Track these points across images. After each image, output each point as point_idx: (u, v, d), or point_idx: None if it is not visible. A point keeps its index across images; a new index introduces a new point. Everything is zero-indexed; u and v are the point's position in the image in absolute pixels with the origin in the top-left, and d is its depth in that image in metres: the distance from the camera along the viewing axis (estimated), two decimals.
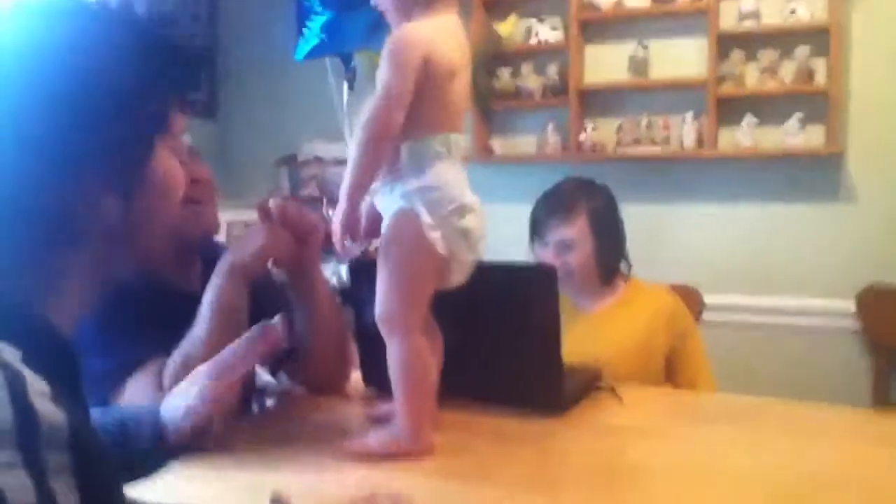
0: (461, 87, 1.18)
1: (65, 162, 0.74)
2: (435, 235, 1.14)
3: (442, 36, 1.17)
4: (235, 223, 3.54)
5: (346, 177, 1.14)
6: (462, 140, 1.19)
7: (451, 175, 1.17)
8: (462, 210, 1.16)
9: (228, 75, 3.57)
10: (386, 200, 1.18)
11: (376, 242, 1.21)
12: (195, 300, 1.30)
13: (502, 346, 1.39)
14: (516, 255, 2.09)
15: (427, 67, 1.13)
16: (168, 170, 0.87)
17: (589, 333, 1.89)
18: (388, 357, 1.18)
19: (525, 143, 3.15)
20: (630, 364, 1.85)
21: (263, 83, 3.48)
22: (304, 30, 2.96)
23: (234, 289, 1.29)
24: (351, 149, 1.15)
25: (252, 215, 3.18)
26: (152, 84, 0.80)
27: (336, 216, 1.16)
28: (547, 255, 1.92)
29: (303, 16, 2.97)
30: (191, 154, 1.50)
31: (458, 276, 1.20)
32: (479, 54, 3.06)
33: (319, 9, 2.89)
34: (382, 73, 1.13)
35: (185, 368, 1.22)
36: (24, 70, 0.73)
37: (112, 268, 0.86)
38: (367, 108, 1.14)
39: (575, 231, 1.89)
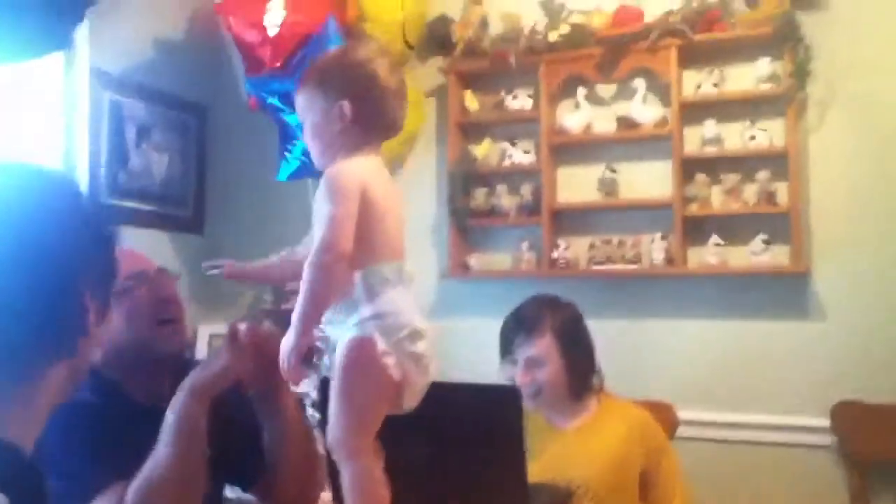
0: (398, 217, 1.27)
1: (66, 286, 0.90)
2: (389, 361, 1.18)
3: (372, 172, 1.25)
4: (218, 336, 3.55)
5: (299, 305, 1.18)
6: (408, 267, 1.25)
7: (402, 302, 1.22)
8: (414, 335, 1.21)
9: (215, 193, 3.66)
10: (340, 329, 1.22)
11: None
12: (163, 415, 1.31)
13: (466, 466, 1.40)
14: (492, 369, 2.13)
15: (365, 197, 1.20)
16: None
17: (563, 451, 1.90)
18: (341, 480, 1.20)
19: (500, 259, 3.22)
20: (605, 482, 1.85)
21: (248, 201, 3.58)
22: (287, 153, 3.08)
23: (196, 409, 1.31)
24: (304, 279, 1.19)
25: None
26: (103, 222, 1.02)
27: (286, 342, 1.19)
28: (517, 373, 1.96)
29: (285, 140, 3.10)
30: (162, 275, 1.55)
31: (411, 401, 1.24)
32: (456, 175, 3.18)
33: (301, 134, 3.01)
34: (324, 206, 1.20)
35: (148, 492, 1.22)
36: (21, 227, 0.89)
37: (77, 380, 0.97)
38: (316, 241, 1.20)
39: (542, 348, 1.94)
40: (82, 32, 2.95)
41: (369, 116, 1.27)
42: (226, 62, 3.57)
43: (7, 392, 0.85)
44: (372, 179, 1.24)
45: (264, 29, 3.04)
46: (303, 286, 1.19)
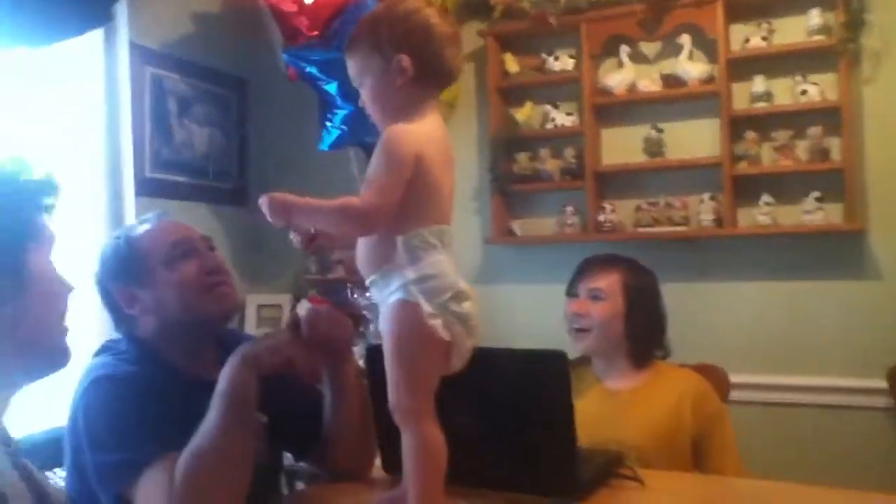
0: (450, 181, 1.25)
1: None
2: (436, 323, 1.16)
3: (431, 135, 1.22)
4: (265, 306, 3.60)
5: (311, 202, 1.19)
6: (451, 231, 1.24)
7: (445, 264, 1.20)
8: (459, 296, 1.20)
9: (257, 165, 3.68)
10: (382, 293, 1.21)
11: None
12: (210, 388, 1.32)
13: (514, 432, 1.39)
14: (537, 334, 2.11)
15: (419, 164, 1.18)
16: (48, 274, 1.08)
17: (615, 414, 1.88)
18: (402, 444, 1.19)
19: (545, 224, 3.19)
20: (656, 447, 1.82)
21: (291, 172, 3.58)
22: (327, 122, 3.07)
23: (247, 378, 1.31)
24: (334, 203, 1.19)
25: (279, 298, 3.23)
26: (9, 200, 1.03)
27: (279, 197, 1.20)
28: (573, 305, 1.93)
29: (325, 109, 3.09)
30: (206, 244, 1.56)
31: (459, 361, 1.22)
32: (497, 140, 3.14)
33: (341, 102, 3.00)
34: (376, 169, 1.18)
35: (197, 462, 1.23)
36: None
37: (21, 370, 1.03)
38: (360, 196, 1.18)
39: (605, 283, 1.91)
40: (121, 8, 2.96)
41: (430, 67, 1.23)
42: (264, 34, 3.56)
43: None
44: (429, 145, 1.21)
45: None
46: (327, 203, 1.19)
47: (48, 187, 1.10)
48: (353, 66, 1.28)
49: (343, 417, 1.54)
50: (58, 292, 1.10)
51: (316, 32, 3.03)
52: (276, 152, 3.67)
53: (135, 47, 3.09)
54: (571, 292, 1.99)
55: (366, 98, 1.27)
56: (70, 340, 1.11)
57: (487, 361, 1.34)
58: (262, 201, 1.20)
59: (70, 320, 1.12)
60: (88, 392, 1.37)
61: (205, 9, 3.45)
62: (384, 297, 1.21)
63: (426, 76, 1.23)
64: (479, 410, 1.40)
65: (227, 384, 1.29)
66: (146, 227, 1.56)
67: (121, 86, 3.07)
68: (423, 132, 1.21)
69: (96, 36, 2.95)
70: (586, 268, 1.99)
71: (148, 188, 3.10)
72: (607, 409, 1.89)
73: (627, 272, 1.95)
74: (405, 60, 1.21)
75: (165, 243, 1.50)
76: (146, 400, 1.32)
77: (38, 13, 2.46)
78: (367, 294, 1.26)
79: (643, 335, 1.94)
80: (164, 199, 3.12)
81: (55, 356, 1.08)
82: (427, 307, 1.17)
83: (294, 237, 1.27)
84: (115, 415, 1.31)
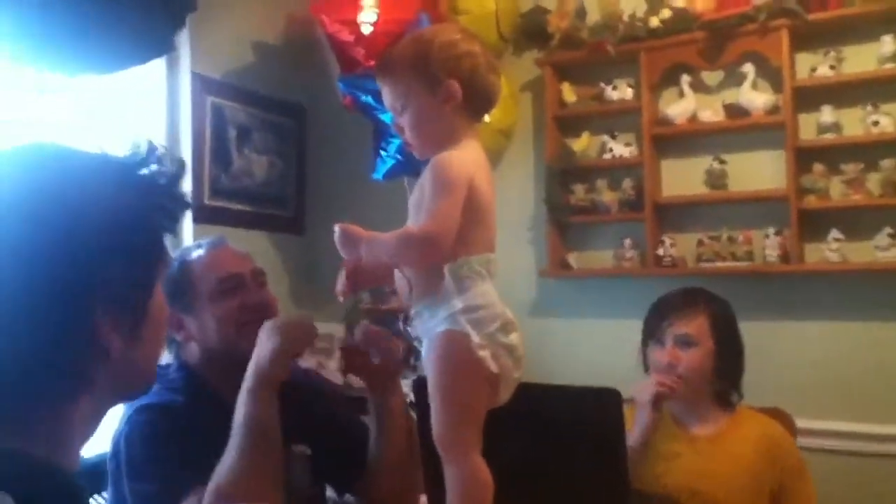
0: (494, 210, 1.22)
1: (75, 307, 0.75)
2: (484, 354, 1.13)
3: (478, 161, 1.21)
4: (320, 336, 3.59)
5: (377, 236, 1.18)
6: (497, 260, 1.20)
7: (492, 294, 1.18)
8: (507, 327, 1.18)
9: (314, 193, 3.70)
10: (428, 323, 1.18)
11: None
12: None
13: (564, 470, 1.33)
14: (593, 370, 2.04)
15: (471, 190, 1.15)
16: (163, 305, 0.90)
17: (692, 459, 1.79)
18: (446, 478, 1.15)
19: (602, 257, 3.11)
20: (732, 498, 1.73)
21: (347, 201, 3.58)
22: (382, 151, 3.07)
23: (257, 403, 1.27)
24: (392, 234, 1.17)
25: (331, 327, 3.21)
26: (146, 216, 0.84)
27: (351, 230, 1.21)
28: (662, 355, 1.84)
29: (380, 138, 3.09)
30: (256, 278, 1.55)
31: (505, 394, 1.19)
32: (554, 171, 3.09)
33: (395, 132, 3.00)
34: (431, 196, 1.16)
35: (221, 492, 1.20)
36: (18, 218, 0.74)
37: (114, 399, 0.87)
38: (418, 225, 1.15)
39: (695, 327, 1.82)
40: (183, 38, 3.02)
41: (476, 93, 1.22)
42: (322, 63, 3.59)
43: (30, 419, 0.76)
44: (478, 170, 1.20)
45: (358, 28, 3.04)
46: (390, 235, 1.17)
47: (179, 198, 0.89)
48: (392, 91, 1.26)
49: (388, 449, 1.51)
50: (165, 321, 0.94)
51: (372, 62, 3.04)
52: (333, 181, 3.69)
53: (196, 77, 3.14)
54: (656, 338, 1.87)
55: (408, 123, 1.25)
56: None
57: (539, 397, 1.30)
58: (335, 231, 1.21)
59: None
60: (132, 420, 1.36)
61: (265, 39, 3.50)
62: (430, 328, 1.18)
63: (472, 102, 1.22)
64: (529, 446, 1.35)
65: (243, 414, 1.27)
66: (201, 252, 1.56)
67: (182, 114, 3.13)
68: (471, 158, 1.20)
69: (159, 65, 3.01)
70: (670, 310, 1.87)
71: (206, 215, 3.13)
72: (685, 452, 1.80)
73: (713, 309, 1.86)
74: (454, 86, 1.20)
75: (215, 276, 1.51)
76: (188, 431, 1.31)
77: (102, 41, 2.52)
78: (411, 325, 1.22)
79: (731, 374, 1.85)
80: (221, 227, 3.15)
81: (147, 384, 0.93)
82: (475, 338, 1.14)
83: (340, 282, 1.26)
84: (154, 444, 1.30)
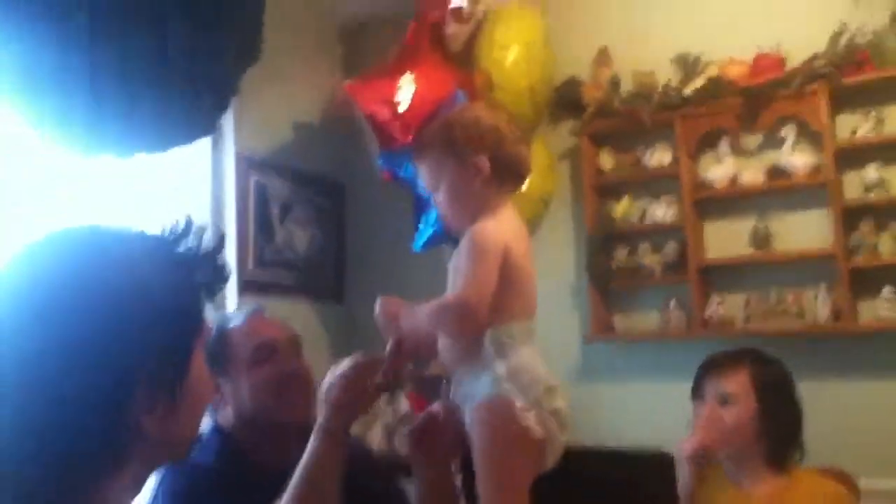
0: (533, 275, 1.24)
1: (116, 395, 0.75)
2: (530, 419, 1.11)
3: (514, 229, 1.24)
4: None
5: (415, 310, 1.21)
6: (536, 326, 1.22)
7: (534, 358, 1.18)
8: (551, 391, 1.17)
9: (354, 263, 3.74)
10: (471, 388, 1.18)
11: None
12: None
13: None
14: (637, 435, 1.99)
15: (507, 256, 1.18)
16: (204, 377, 0.88)
17: None
18: None
19: (647, 319, 3.08)
20: None
21: (386, 270, 3.61)
22: (420, 222, 3.10)
23: (324, 446, 1.25)
24: (429, 304, 1.20)
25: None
26: (184, 292, 0.83)
27: (392, 303, 1.25)
28: (703, 410, 1.80)
29: (419, 210, 3.13)
30: (291, 346, 1.55)
31: (552, 459, 1.17)
32: (594, 238, 3.09)
33: (433, 205, 3.04)
34: (467, 263, 1.18)
35: None
36: (59, 307, 0.74)
37: (152, 470, 0.86)
38: (453, 292, 1.18)
39: (735, 384, 1.78)
40: (227, 118, 3.12)
41: (504, 166, 1.26)
42: (362, 139, 3.68)
43: (68, 500, 0.75)
44: (514, 238, 1.23)
45: (395, 105, 3.11)
46: (426, 306, 1.20)
47: (217, 267, 0.88)
48: (426, 171, 1.31)
49: None
50: (209, 392, 0.92)
51: (409, 138, 3.10)
52: (373, 252, 3.72)
53: (240, 156, 3.23)
54: (698, 394, 1.85)
55: (442, 201, 1.30)
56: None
57: (590, 461, 1.27)
58: (378, 303, 1.26)
59: None
60: (161, 479, 1.36)
61: (306, 118, 3.60)
62: (472, 394, 1.17)
63: (501, 174, 1.26)
64: None
65: (306, 453, 1.25)
66: (239, 320, 1.57)
67: (226, 192, 3.20)
68: (507, 227, 1.23)
69: (204, 144, 3.10)
70: (712, 367, 1.86)
71: (250, 287, 3.17)
72: None
73: (757, 367, 1.82)
74: (482, 161, 1.24)
75: (252, 343, 1.52)
76: (214, 492, 1.30)
77: (150, 122, 2.61)
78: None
79: (781, 435, 1.79)
80: (265, 297, 3.18)
81: (185, 452, 0.91)
82: (521, 403, 1.13)
83: (389, 345, 1.27)
84: (178, 502, 1.30)
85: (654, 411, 2.67)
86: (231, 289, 3.13)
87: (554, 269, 3.21)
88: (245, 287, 3.15)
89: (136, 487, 0.83)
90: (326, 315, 3.55)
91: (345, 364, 1.31)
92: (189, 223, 0.85)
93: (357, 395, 1.28)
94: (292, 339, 1.60)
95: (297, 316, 3.17)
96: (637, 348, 3.07)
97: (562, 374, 3.10)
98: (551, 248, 3.25)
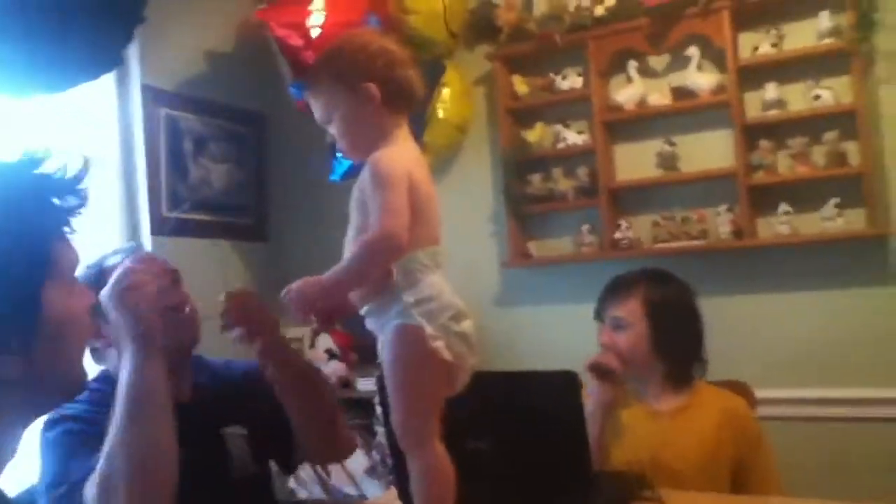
0: (436, 202, 1.25)
1: None
2: (438, 344, 1.16)
3: (414, 157, 1.24)
4: (289, 340, 3.59)
5: (337, 271, 1.18)
6: (444, 252, 1.23)
7: (442, 284, 1.20)
8: (459, 316, 1.20)
9: (277, 199, 3.70)
10: (381, 320, 1.20)
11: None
12: (184, 411, 1.31)
13: (527, 455, 1.36)
14: (558, 357, 2.07)
15: (410, 186, 1.18)
16: (66, 308, 0.86)
17: (655, 433, 1.84)
18: (409, 469, 1.18)
19: (561, 244, 3.16)
20: (695, 470, 1.79)
21: (309, 205, 3.59)
22: (337, 153, 3.08)
23: (147, 364, 1.25)
24: (352, 254, 1.19)
25: (301, 331, 3.21)
26: (28, 229, 0.80)
27: (302, 292, 1.18)
28: (602, 335, 1.91)
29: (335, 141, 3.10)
30: (169, 280, 1.54)
31: (461, 382, 1.22)
32: (510, 162, 3.13)
33: None
34: (376, 195, 1.18)
35: (101, 479, 1.19)
36: None
37: (36, 412, 0.86)
38: (373, 229, 1.17)
39: (627, 310, 1.87)
40: (133, 51, 3.01)
41: (395, 91, 1.26)
42: (276, 68, 3.59)
43: None
44: (415, 164, 1.23)
45: (307, 31, 3.04)
46: (348, 260, 1.18)
47: (70, 192, 0.86)
48: (318, 104, 1.29)
49: (297, 398, 1.52)
50: (78, 325, 0.91)
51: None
52: (294, 186, 3.69)
53: (147, 89, 3.13)
54: (599, 317, 1.96)
55: (337, 132, 1.28)
56: (85, 365, 0.96)
57: (498, 384, 1.33)
58: (287, 299, 1.20)
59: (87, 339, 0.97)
60: (41, 439, 1.38)
61: (217, 47, 3.49)
62: (383, 325, 1.20)
63: (393, 100, 1.25)
64: (490, 434, 1.38)
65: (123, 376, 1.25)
66: (117, 259, 1.56)
67: (135, 127, 3.12)
68: (406, 153, 1.23)
69: (108, 79, 2.99)
70: (607, 294, 1.95)
71: (165, 228, 3.12)
72: (647, 428, 1.85)
73: (651, 290, 1.90)
74: (371, 88, 1.23)
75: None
76: (95, 435, 1.29)
77: (50, 60, 2.50)
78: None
79: (677, 355, 1.89)
80: (182, 238, 3.14)
81: (70, 389, 0.92)
82: (429, 329, 1.16)
83: (312, 325, 1.29)
84: (58, 453, 1.33)
85: (571, 334, 2.76)
86: (145, 231, 3.08)
87: (471, 196, 3.26)
88: (159, 228, 3.09)
89: (15, 437, 0.82)
90: (250, 254, 3.51)
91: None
92: (48, 149, 0.82)
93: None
94: (170, 272, 1.59)
95: (218, 257, 3.16)
96: (552, 272, 3.16)
97: (481, 299, 3.18)
98: (468, 175, 3.28)
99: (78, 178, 0.85)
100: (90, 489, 1.19)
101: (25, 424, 0.86)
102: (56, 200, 0.84)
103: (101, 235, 3.00)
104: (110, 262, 1.56)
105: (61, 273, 0.88)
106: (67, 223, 0.87)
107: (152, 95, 3.15)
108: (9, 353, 0.77)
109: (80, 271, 1.52)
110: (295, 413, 1.53)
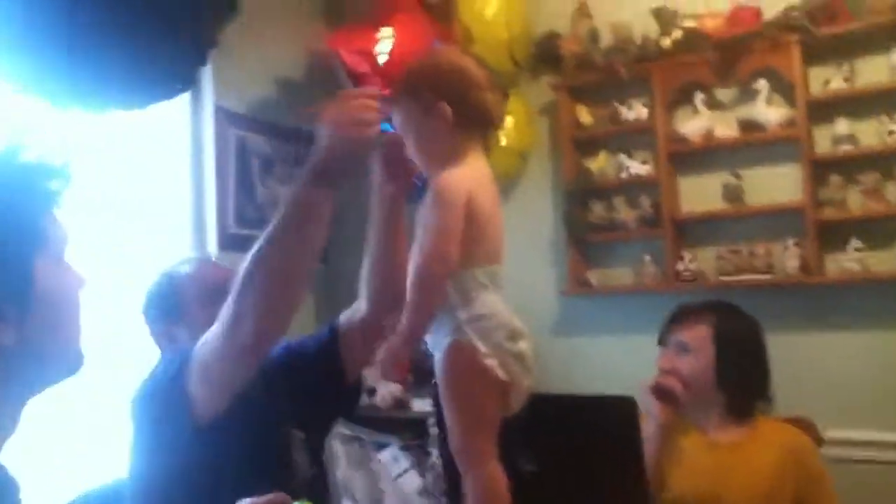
0: (499, 221, 1.26)
1: None
2: (492, 363, 1.15)
3: (478, 178, 1.24)
4: None
5: (406, 314, 1.17)
6: (503, 272, 1.22)
7: (498, 303, 1.20)
8: (514, 335, 1.19)
9: (337, 222, 3.74)
10: (435, 337, 1.21)
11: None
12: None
13: (582, 478, 1.34)
14: (613, 387, 2.04)
15: (470, 205, 1.19)
16: (58, 282, 0.89)
17: (714, 465, 1.80)
18: (464, 487, 1.17)
19: (621, 274, 3.13)
20: None
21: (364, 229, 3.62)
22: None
23: (312, 191, 1.29)
24: (411, 288, 1.19)
25: None
26: (16, 205, 0.83)
27: (389, 346, 1.17)
28: (663, 359, 1.88)
29: None
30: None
31: (517, 402, 1.21)
32: (572, 191, 3.12)
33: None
34: (431, 216, 1.19)
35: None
36: None
37: (33, 388, 0.88)
38: (421, 250, 1.19)
39: (692, 336, 1.84)
40: (206, 73, 3.11)
41: (468, 112, 1.26)
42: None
43: None
44: (477, 186, 1.24)
45: (374, 58, 3.11)
46: (410, 296, 1.18)
47: (55, 174, 0.89)
48: (397, 121, 1.31)
49: (382, 261, 1.53)
50: (70, 300, 0.94)
51: (388, 91, 3.10)
52: (354, 208, 3.73)
53: (220, 110, 3.23)
54: (662, 343, 1.93)
55: (411, 148, 1.29)
56: (83, 343, 0.98)
57: (556, 406, 1.32)
58: (382, 371, 1.20)
59: (83, 319, 0.98)
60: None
61: (287, 73, 3.58)
62: (437, 342, 1.21)
63: (466, 121, 1.25)
64: (546, 455, 1.37)
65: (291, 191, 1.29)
66: (187, 268, 1.60)
67: (206, 147, 3.21)
68: (469, 175, 1.23)
69: (183, 99, 3.09)
70: (676, 317, 1.93)
71: (231, 243, 3.20)
72: (705, 459, 1.81)
73: (720, 320, 1.87)
74: (444, 108, 1.24)
75: (202, 286, 1.55)
76: None
77: (128, 79, 2.60)
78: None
79: (741, 387, 1.85)
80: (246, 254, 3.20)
81: (68, 364, 0.94)
82: (482, 347, 1.16)
83: (382, 400, 1.29)
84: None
85: (628, 364, 2.73)
86: (212, 246, 3.16)
87: (532, 224, 3.25)
88: (226, 244, 3.17)
89: (15, 411, 0.85)
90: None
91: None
92: (32, 136, 0.86)
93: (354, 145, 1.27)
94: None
95: None
96: (612, 302, 3.13)
97: (539, 327, 3.16)
98: (529, 203, 3.28)
99: (63, 161, 0.89)
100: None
101: (23, 400, 0.88)
102: (43, 182, 0.89)
103: (171, 248, 3.09)
104: (182, 270, 1.61)
105: (52, 248, 0.92)
106: (56, 202, 0.91)
107: (224, 116, 3.25)
108: (3, 320, 0.81)
109: (153, 278, 1.58)
110: (375, 246, 1.53)
